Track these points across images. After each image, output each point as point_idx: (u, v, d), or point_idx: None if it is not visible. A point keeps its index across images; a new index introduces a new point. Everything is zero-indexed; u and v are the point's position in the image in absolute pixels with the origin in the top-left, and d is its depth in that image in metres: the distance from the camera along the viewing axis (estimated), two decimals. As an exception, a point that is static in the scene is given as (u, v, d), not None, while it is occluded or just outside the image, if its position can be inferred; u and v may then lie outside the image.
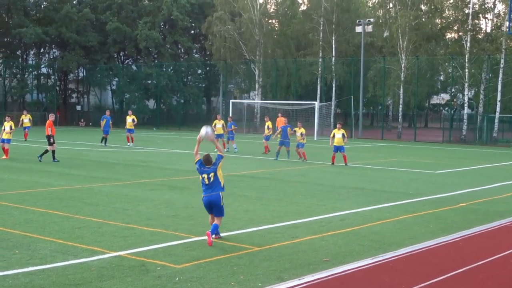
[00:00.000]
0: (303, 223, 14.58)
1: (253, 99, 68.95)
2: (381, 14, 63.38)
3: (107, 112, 40.05)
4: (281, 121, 48.61)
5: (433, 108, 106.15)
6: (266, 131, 36.06)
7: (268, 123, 36.36)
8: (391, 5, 61.29)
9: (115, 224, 13.88)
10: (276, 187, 20.91)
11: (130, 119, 39.58)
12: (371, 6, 75.92)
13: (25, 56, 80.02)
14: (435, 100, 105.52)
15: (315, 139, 52.84)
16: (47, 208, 15.72)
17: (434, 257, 11.60)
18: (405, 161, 33.00)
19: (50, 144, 28.15)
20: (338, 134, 29.32)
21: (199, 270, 10.24)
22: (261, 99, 66.62)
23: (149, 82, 75.49)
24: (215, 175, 12.72)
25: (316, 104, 56.35)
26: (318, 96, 62.94)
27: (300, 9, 72.29)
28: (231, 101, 62.65)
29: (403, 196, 19.28)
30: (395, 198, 18.79)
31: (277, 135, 32.42)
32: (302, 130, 31.40)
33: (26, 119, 42.19)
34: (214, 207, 12.63)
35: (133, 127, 39.55)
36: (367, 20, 59.73)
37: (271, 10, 70.44)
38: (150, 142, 40.85)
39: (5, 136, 29.03)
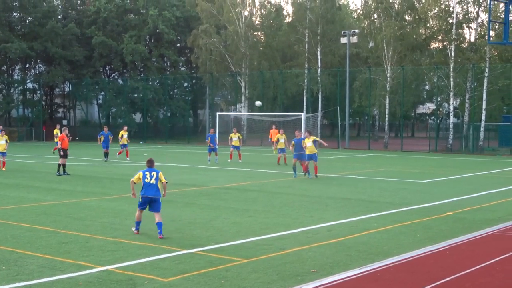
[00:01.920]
0: (291, 234, 14.59)
1: (240, 111, 69.00)
2: (366, 25, 63.62)
3: (105, 128, 40.35)
4: (274, 132, 48.77)
5: (419, 117, 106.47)
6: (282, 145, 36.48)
7: (278, 136, 37.31)
8: (375, 16, 61.57)
9: (102, 238, 13.85)
10: (264, 199, 20.91)
11: (125, 134, 39.68)
12: (355, 17, 76.20)
13: (10, 71, 79.77)
14: (421, 109, 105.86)
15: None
16: (34, 224, 15.67)
17: (422, 266, 11.64)
18: (392, 171, 33.10)
19: (61, 157, 28.65)
20: (309, 142, 27.76)
21: (186, 283, 10.23)
22: (248, 111, 66.69)
23: (136, 95, 75.40)
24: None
25: (303, 115, 56.46)
26: (305, 107, 63.08)
27: (285, 21, 72.50)
28: (218, 113, 62.65)
29: (390, 206, 19.34)
30: (382, 208, 18.84)
31: (290, 148, 29.68)
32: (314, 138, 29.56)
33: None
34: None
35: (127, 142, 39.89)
36: (352, 31, 60.04)
37: (256, 22, 70.58)
38: (137, 156, 40.75)
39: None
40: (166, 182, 14.80)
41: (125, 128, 41.21)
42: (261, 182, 26.69)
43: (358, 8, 75.43)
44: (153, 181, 14.46)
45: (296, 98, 68.40)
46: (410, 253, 12.60)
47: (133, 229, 14.67)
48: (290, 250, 12.82)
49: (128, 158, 39.21)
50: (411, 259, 12.20)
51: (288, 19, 71.99)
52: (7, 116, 77.70)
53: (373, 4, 60.46)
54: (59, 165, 28.81)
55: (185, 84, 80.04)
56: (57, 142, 40.18)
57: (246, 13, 67.28)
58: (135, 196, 14.77)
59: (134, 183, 14.65)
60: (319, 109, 63.04)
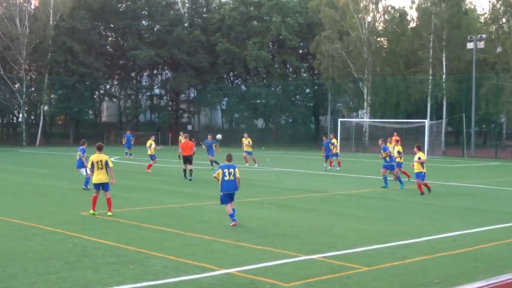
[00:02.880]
0: (413, 243, 14.34)
1: (362, 118, 68.45)
2: (493, 30, 61.68)
3: (128, 132, 41.23)
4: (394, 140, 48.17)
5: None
6: (334, 149, 36.12)
7: (334, 140, 36.53)
8: (504, 20, 59.58)
9: (225, 241, 14.10)
10: (385, 207, 20.67)
11: (246, 141, 39.06)
12: (483, 21, 73.96)
13: (138, 78, 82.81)
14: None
15: (426, 158, 51.79)
16: (160, 225, 16.15)
17: (552, 281, 11.17)
18: (520, 180, 31.90)
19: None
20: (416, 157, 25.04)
21: (307, 289, 10.27)
22: (370, 118, 66.06)
23: (258, 101, 76.28)
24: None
25: (426, 122, 55.33)
26: (428, 114, 61.78)
27: (409, 26, 71.28)
28: (339, 119, 62.41)
29: (518, 217, 18.66)
30: (510, 219, 18.18)
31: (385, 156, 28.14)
32: (399, 147, 29.49)
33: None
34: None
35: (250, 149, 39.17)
36: (479, 36, 58.20)
37: (380, 28, 69.83)
38: (259, 161, 41.19)
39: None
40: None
41: (246, 135, 39.98)
42: (382, 189, 26.38)
43: (485, 13, 73.34)
44: (231, 177, 16.23)
45: (420, 105, 67.02)
46: (540, 267, 12.11)
47: (231, 224, 16.19)
48: (412, 259, 12.60)
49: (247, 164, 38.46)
50: (540, 272, 11.72)
51: (412, 24, 70.71)
52: (135, 121, 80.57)
53: (502, 8, 58.57)
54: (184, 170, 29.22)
55: (307, 90, 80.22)
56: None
57: (369, 18, 66.74)
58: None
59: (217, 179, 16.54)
60: (443, 116, 61.56)
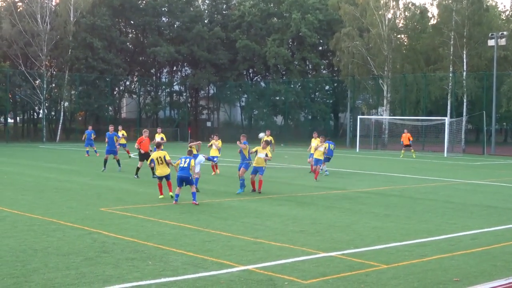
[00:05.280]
0: (432, 241, 14.27)
1: (381, 115, 68.24)
2: (515, 27, 61.23)
3: (110, 129, 32.89)
4: (406, 137, 48.04)
5: None
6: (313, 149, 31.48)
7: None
8: (526, 17, 59.14)
9: (243, 238, 14.11)
10: (405, 204, 20.58)
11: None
12: (504, 18, 73.46)
13: (158, 74, 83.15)
14: None
15: (445, 155, 51.67)
16: (179, 222, 16.21)
17: None
18: (541, 179, 31.62)
19: (141, 159, 28.33)
20: (262, 153, 23.06)
21: (326, 286, 10.26)
22: (390, 115, 65.82)
23: (277, 98, 76.35)
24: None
25: (446, 120, 55.07)
26: (449, 111, 61.45)
27: (430, 23, 70.93)
28: (359, 117, 62.28)
29: (539, 216, 18.50)
30: (531, 218, 18.07)
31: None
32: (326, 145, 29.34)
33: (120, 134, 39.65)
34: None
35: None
36: (500, 33, 57.77)
37: (400, 25, 69.53)
38: (278, 158, 41.20)
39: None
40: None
41: (159, 130, 36.40)
42: (402, 187, 26.28)
43: (507, 10, 72.79)
44: (185, 165, 19.61)
45: (440, 102, 66.74)
46: (561, 266, 12.01)
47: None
48: (431, 257, 12.54)
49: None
50: (561, 272, 11.62)
51: (433, 21, 70.35)
52: (155, 117, 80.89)
53: (524, 4, 58.05)
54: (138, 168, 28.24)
55: (327, 87, 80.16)
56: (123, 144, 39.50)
57: (389, 15, 66.47)
58: None
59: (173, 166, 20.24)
60: (464, 113, 61.21)
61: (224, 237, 14.21)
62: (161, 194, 20.84)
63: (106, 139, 31.49)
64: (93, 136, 42.94)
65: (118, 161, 31.11)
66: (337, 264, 11.77)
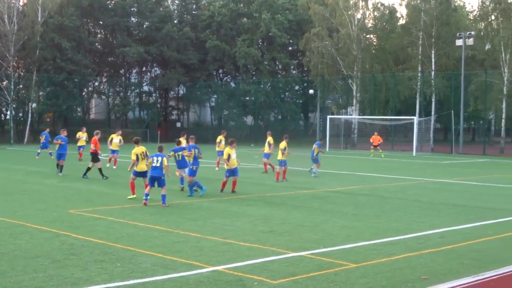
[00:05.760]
0: (401, 240, 14.38)
1: (351, 115, 68.57)
2: (482, 27, 61.83)
3: (47, 130, 31.94)
4: (376, 138, 48.55)
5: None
6: (267, 149, 31.91)
7: (269, 139, 32.10)
8: (493, 17, 59.70)
9: (213, 239, 14.10)
10: (374, 204, 20.70)
11: (117, 139, 34.92)
12: (472, 18, 74.13)
13: (127, 75, 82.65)
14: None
15: (414, 154, 52.09)
16: (148, 223, 16.14)
17: (538, 277, 11.22)
18: (508, 177, 31.99)
19: (95, 161, 28.14)
20: (234, 154, 23.29)
21: (295, 286, 10.28)
22: (359, 115, 66.17)
23: (247, 98, 76.34)
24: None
25: (415, 119, 55.49)
26: (417, 111, 61.94)
27: (398, 23, 71.48)
28: (328, 116, 62.53)
29: (506, 213, 18.71)
30: (498, 215, 18.27)
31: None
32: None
33: (83, 136, 40.17)
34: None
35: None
36: (468, 33, 58.36)
37: (369, 25, 69.98)
38: (248, 158, 41.26)
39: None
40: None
41: (119, 132, 36.00)
42: (371, 186, 26.44)
43: (475, 10, 73.51)
44: (158, 164, 19.32)
45: (409, 102, 67.26)
46: (527, 263, 12.16)
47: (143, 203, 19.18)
48: (400, 256, 12.64)
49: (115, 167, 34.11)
50: (527, 269, 11.77)
51: (402, 21, 70.91)
52: (124, 118, 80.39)
53: (491, 5, 58.69)
54: (88, 168, 28.03)
55: (296, 87, 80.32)
56: (79, 146, 38.87)
57: (358, 15, 66.85)
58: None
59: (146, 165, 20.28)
60: (432, 113, 61.72)
61: (193, 238, 14.17)
62: (133, 193, 20.62)
63: (60, 141, 29.88)
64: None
65: (62, 166, 29.71)
66: (306, 264, 11.80)
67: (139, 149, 20.83)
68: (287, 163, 28.28)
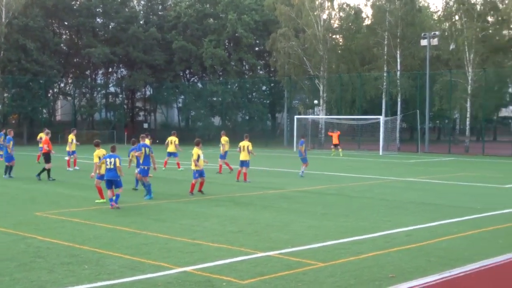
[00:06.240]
0: (368, 238, 14.47)
1: (318, 115, 68.83)
2: (446, 27, 62.47)
3: (11, 132, 30.18)
4: (335, 135, 49.30)
5: (502, 121, 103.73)
6: (221, 149, 32.66)
7: (222, 139, 32.83)
8: (457, 17, 60.34)
9: (181, 240, 14.06)
10: (342, 203, 20.82)
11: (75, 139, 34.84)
12: (436, 19, 74.96)
13: (93, 76, 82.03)
14: (503, 112, 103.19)
15: (381, 154, 52.44)
16: (115, 224, 16.04)
17: (504, 274, 11.38)
18: (473, 175, 32.39)
19: (48, 161, 27.96)
20: (202, 154, 23.06)
21: (264, 286, 10.29)
22: (326, 115, 66.42)
23: (215, 99, 76.26)
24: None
25: (381, 118, 55.89)
26: (383, 110, 62.36)
27: (364, 24, 71.95)
28: (295, 117, 62.69)
29: (471, 211, 18.93)
30: (463, 213, 18.47)
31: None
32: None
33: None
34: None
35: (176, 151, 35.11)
36: (433, 33, 58.94)
37: (335, 25, 70.28)
38: (215, 159, 41.14)
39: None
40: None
41: (74, 131, 35.72)
42: (339, 186, 26.58)
43: (439, 10, 74.34)
44: (112, 166, 19.08)
45: (375, 101, 67.74)
46: (492, 260, 12.30)
47: (110, 207, 18.84)
48: (368, 254, 12.72)
49: (70, 168, 33.84)
50: (492, 266, 11.92)
51: (367, 22, 71.40)
52: (91, 120, 79.80)
53: (454, 5, 59.31)
54: (44, 169, 27.84)
55: (264, 88, 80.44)
56: (40, 147, 38.82)
57: (324, 16, 67.05)
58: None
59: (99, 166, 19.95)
60: (398, 112, 62.23)
61: (161, 239, 14.12)
62: (102, 197, 20.22)
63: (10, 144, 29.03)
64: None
65: (11, 167, 29.04)
66: (274, 264, 11.83)
67: (101, 151, 20.63)
68: (249, 164, 28.19)
